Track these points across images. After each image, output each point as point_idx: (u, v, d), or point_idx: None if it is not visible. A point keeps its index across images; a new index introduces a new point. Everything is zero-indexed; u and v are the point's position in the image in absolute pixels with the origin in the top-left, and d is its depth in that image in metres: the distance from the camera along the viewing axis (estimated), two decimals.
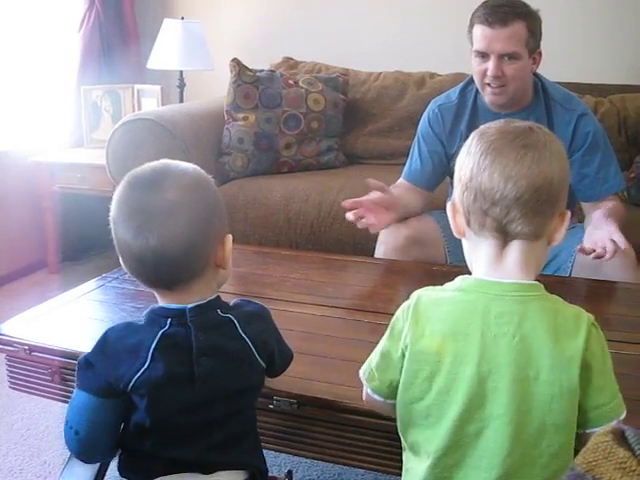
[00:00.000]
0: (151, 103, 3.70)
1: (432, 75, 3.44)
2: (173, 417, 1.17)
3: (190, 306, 1.17)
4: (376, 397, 1.20)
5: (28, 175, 3.50)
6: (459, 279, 1.15)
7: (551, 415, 1.08)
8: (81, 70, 3.78)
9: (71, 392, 1.56)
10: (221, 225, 1.20)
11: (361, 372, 1.23)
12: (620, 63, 3.36)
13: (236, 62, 3.28)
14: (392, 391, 1.17)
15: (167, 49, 3.66)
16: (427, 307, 1.13)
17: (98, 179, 3.36)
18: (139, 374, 1.13)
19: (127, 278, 1.95)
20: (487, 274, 1.13)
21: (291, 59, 3.67)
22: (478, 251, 1.15)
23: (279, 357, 1.29)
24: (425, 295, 1.15)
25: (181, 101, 3.82)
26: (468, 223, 1.13)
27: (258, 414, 1.40)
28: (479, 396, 1.08)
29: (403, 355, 1.13)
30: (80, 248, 3.80)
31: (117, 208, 1.17)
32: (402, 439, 1.19)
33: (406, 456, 1.19)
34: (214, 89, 3.71)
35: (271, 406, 1.39)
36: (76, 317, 1.74)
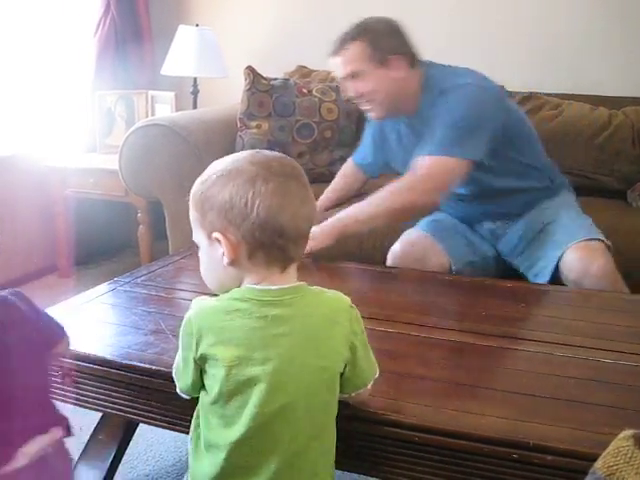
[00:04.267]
0: (165, 109, 3.71)
1: None
2: None
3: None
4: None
5: (41, 179, 3.52)
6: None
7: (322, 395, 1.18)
8: (95, 75, 3.79)
9: (83, 394, 1.57)
10: None
11: None
12: (635, 76, 3.35)
13: (250, 70, 3.29)
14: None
15: (181, 56, 3.67)
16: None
17: (110, 184, 3.37)
18: None
19: (139, 282, 1.95)
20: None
21: (305, 67, 3.68)
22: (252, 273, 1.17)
23: None
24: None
25: (194, 108, 3.83)
26: (251, 256, 1.14)
27: None
28: None
29: None
30: (91, 252, 3.80)
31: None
32: None
33: None
34: (228, 96, 3.72)
35: None
36: (87, 320, 1.74)
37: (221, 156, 1.21)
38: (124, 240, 3.90)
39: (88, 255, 3.78)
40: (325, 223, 2.21)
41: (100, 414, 1.83)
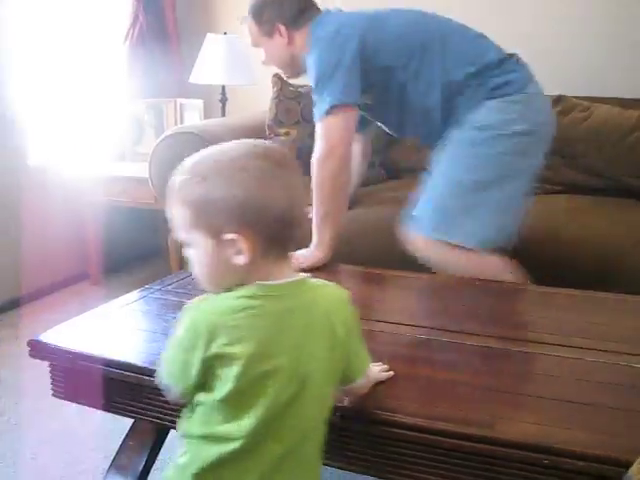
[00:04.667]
0: (193, 117, 3.74)
1: None
2: None
3: None
4: None
5: (71, 188, 3.55)
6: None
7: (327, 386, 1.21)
8: (124, 84, 3.83)
9: (114, 401, 1.58)
10: None
11: None
12: None
13: (278, 77, 3.30)
14: None
15: (209, 64, 3.70)
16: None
17: (140, 192, 3.40)
18: None
19: (169, 289, 1.96)
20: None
21: None
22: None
23: None
24: None
25: (223, 115, 3.85)
26: (265, 252, 1.13)
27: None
28: None
29: None
30: (121, 260, 3.84)
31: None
32: None
33: None
34: (256, 103, 3.73)
35: None
36: (119, 327, 1.75)
37: None
38: (154, 248, 3.93)
39: (118, 263, 3.82)
40: (311, 250, 2.28)
41: (131, 420, 1.84)
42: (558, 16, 3.44)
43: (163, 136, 3.06)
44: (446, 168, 2.29)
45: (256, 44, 2.50)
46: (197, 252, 1.16)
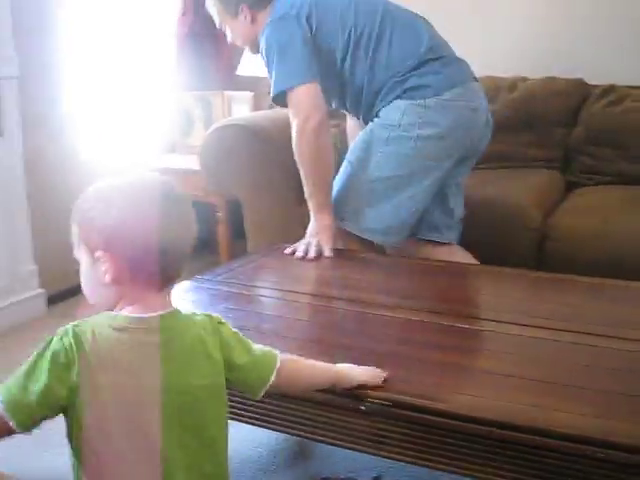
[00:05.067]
0: (242, 109, 3.75)
1: (523, 79, 3.39)
2: None
3: None
4: None
5: None
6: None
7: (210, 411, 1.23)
8: (173, 76, 3.86)
9: None
10: None
11: None
12: None
13: None
14: None
15: (258, 56, 3.70)
16: None
17: (190, 184, 3.42)
18: None
19: (220, 280, 1.98)
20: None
21: None
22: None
23: None
24: None
25: (271, 107, 3.86)
26: (132, 276, 1.16)
27: (349, 415, 1.41)
28: None
29: None
30: None
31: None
32: None
33: None
34: None
35: (362, 407, 1.40)
36: None
37: None
38: (204, 239, 3.95)
39: None
40: (315, 226, 2.35)
41: None
42: (607, 4, 3.39)
43: (212, 129, 3.08)
44: (355, 159, 2.40)
45: (221, 24, 2.54)
46: (81, 268, 1.22)
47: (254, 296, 1.99)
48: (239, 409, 1.53)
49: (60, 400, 1.10)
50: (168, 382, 1.15)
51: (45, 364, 1.10)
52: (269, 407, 1.51)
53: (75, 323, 1.15)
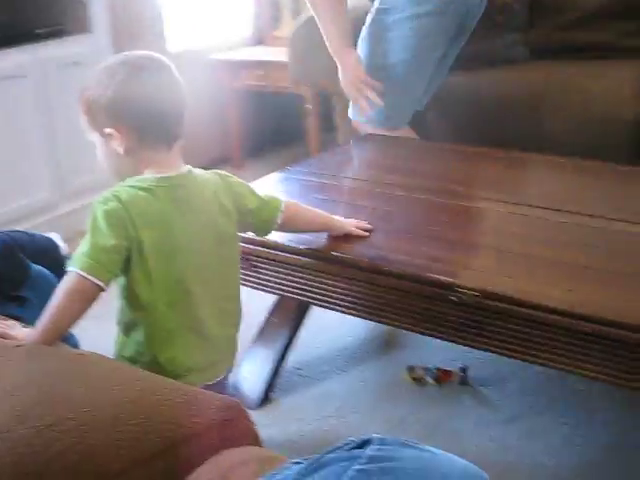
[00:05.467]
0: None
1: None
2: None
3: None
4: None
5: (211, 73, 3.61)
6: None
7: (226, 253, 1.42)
8: None
9: (260, 278, 1.65)
10: None
11: None
12: None
13: None
14: None
15: None
16: None
17: (279, 76, 3.42)
18: None
19: (311, 171, 1.99)
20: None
21: None
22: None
23: None
24: None
25: None
26: (141, 141, 1.30)
27: (438, 305, 1.43)
28: None
29: None
30: (261, 144, 3.90)
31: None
32: None
33: None
34: None
35: (453, 297, 1.40)
36: None
37: None
38: (293, 132, 3.96)
39: (259, 147, 3.88)
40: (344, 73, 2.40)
41: (274, 297, 1.91)
42: None
43: (302, 21, 3.04)
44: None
45: None
46: (98, 149, 1.35)
47: (345, 187, 1.99)
48: (330, 297, 1.56)
49: (127, 252, 1.25)
50: (195, 231, 1.31)
51: (104, 227, 1.23)
52: (359, 295, 1.54)
53: (110, 190, 1.28)
